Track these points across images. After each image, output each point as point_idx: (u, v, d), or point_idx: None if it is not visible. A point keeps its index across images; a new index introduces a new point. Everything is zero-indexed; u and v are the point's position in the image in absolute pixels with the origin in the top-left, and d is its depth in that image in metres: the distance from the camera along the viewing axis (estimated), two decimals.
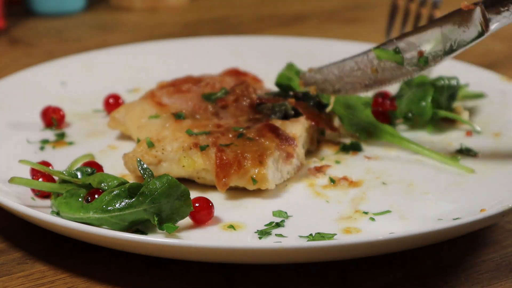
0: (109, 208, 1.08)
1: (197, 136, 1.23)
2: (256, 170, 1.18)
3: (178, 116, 1.29)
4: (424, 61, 1.22)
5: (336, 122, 1.35)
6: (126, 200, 1.08)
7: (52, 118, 1.39)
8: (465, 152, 1.31)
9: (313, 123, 1.30)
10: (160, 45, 1.65)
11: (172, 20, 2.05)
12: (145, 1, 2.11)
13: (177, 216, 1.09)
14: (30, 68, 1.52)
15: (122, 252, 1.07)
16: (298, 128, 1.27)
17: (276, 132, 1.23)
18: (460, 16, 1.12)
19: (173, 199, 1.08)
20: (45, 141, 1.34)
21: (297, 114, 1.31)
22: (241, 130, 1.23)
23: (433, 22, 1.21)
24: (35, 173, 1.18)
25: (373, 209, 1.16)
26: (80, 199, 1.11)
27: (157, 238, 1.03)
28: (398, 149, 1.32)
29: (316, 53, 1.62)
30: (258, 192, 1.21)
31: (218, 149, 1.19)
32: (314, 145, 1.32)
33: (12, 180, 1.13)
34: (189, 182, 1.21)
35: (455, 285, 1.05)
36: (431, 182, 1.24)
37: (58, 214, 1.11)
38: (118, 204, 1.08)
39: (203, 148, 1.20)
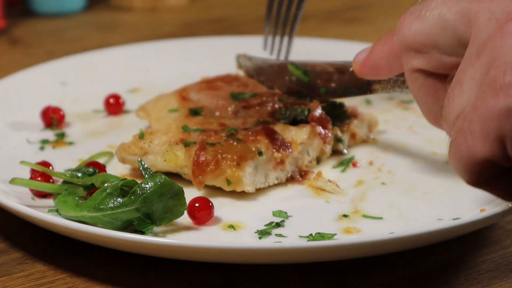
0: (101, 206, 1.08)
1: (189, 133, 1.23)
2: (232, 172, 1.17)
3: (194, 112, 1.29)
4: (324, 91, 1.29)
5: (341, 146, 1.32)
6: (119, 199, 1.08)
7: (52, 118, 1.39)
8: None
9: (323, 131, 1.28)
10: (160, 45, 1.65)
11: (172, 20, 2.05)
12: (145, 1, 2.11)
13: (171, 215, 1.09)
14: (30, 68, 1.52)
15: (122, 252, 1.07)
16: (300, 135, 1.25)
17: (271, 137, 1.22)
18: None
19: (166, 199, 1.08)
20: (45, 141, 1.35)
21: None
22: (233, 130, 1.23)
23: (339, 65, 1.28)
24: (34, 173, 1.18)
25: (373, 209, 1.16)
26: (76, 198, 1.11)
27: (157, 238, 1.03)
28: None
29: (316, 53, 1.62)
30: (258, 192, 1.21)
31: (200, 147, 1.19)
32: (326, 154, 1.30)
33: (13, 181, 1.13)
34: (189, 182, 1.21)
35: (455, 285, 1.05)
36: (431, 182, 1.24)
37: (57, 212, 1.11)
38: (111, 203, 1.08)
39: (187, 145, 1.20)
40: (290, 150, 1.23)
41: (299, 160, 1.26)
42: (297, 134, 1.25)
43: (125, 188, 1.08)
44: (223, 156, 1.18)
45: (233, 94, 1.34)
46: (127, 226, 1.08)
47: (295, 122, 1.29)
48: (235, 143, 1.20)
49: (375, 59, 1.05)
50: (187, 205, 1.10)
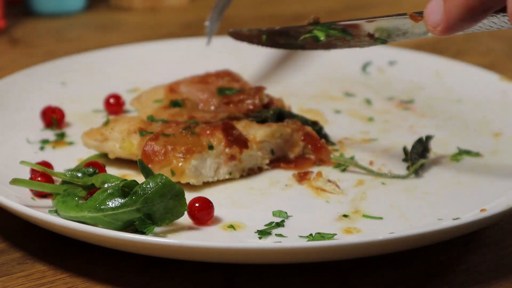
0: (102, 207, 1.08)
1: (151, 123, 1.26)
2: (176, 163, 1.19)
3: (174, 104, 1.33)
4: (375, 40, 1.20)
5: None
6: (119, 200, 1.08)
7: (52, 118, 1.39)
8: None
9: (298, 132, 1.29)
10: (160, 45, 1.65)
11: (172, 20, 2.05)
12: (145, 1, 2.11)
13: (171, 216, 1.09)
14: (30, 68, 1.52)
15: (122, 252, 1.07)
16: (261, 132, 1.26)
17: (227, 132, 1.23)
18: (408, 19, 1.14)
19: (167, 199, 1.08)
20: (45, 141, 1.34)
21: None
22: (192, 123, 1.25)
23: (380, 17, 1.20)
24: (34, 173, 1.18)
25: (373, 209, 1.16)
26: (76, 198, 1.11)
27: (157, 238, 1.03)
28: (398, 148, 1.32)
29: (316, 53, 1.62)
30: (258, 192, 1.21)
31: (152, 137, 1.21)
32: (295, 153, 1.30)
33: (13, 182, 1.13)
34: (188, 183, 1.21)
35: (455, 285, 1.05)
36: (431, 182, 1.24)
37: (56, 212, 1.11)
38: (112, 203, 1.08)
39: (142, 134, 1.23)
40: (246, 146, 1.24)
41: (258, 158, 1.26)
42: (257, 132, 1.26)
43: (126, 189, 1.08)
44: (171, 147, 1.20)
45: (220, 89, 1.36)
46: (128, 226, 1.08)
47: (265, 121, 1.30)
48: (188, 136, 1.22)
49: (456, 18, 1.02)
50: (187, 205, 1.10)
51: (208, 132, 1.23)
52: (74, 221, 1.08)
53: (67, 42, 1.89)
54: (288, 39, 1.26)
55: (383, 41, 1.17)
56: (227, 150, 1.23)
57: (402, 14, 1.14)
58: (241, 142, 1.24)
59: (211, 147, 1.22)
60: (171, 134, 1.22)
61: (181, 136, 1.22)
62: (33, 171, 1.19)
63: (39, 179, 1.17)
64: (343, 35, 1.19)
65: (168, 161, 1.19)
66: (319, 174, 1.23)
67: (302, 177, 1.24)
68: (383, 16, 1.16)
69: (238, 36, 1.33)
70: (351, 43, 1.20)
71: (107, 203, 1.08)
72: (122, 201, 1.08)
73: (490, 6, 1.01)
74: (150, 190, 1.08)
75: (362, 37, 1.18)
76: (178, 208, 1.09)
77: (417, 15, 1.12)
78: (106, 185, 1.12)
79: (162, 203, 1.08)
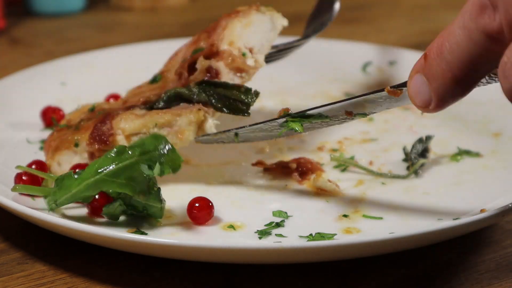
0: (102, 169, 1.08)
1: (92, 112, 1.29)
2: (48, 160, 1.24)
3: (153, 80, 1.34)
4: (353, 116, 1.14)
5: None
6: (117, 157, 1.09)
7: (52, 118, 1.39)
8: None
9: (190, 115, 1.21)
10: (160, 45, 1.65)
11: (172, 20, 2.05)
12: (145, 1, 2.11)
13: (170, 168, 1.11)
14: (30, 68, 1.52)
15: (122, 252, 1.07)
16: (131, 125, 1.21)
17: (95, 128, 1.21)
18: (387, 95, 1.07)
19: (162, 149, 1.10)
20: (45, 141, 1.34)
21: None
22: (94, 116, 1.27)
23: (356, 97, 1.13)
24: (18, 176, 1.18)
25: (373, 209, 1.16)
26: (70, 175, 1.10)
27: (157, 238, 1.03)
28: (398, 148, 1.32)
29: (316, 53, 1.62)
30: (258, 192, 1.21)
31: (57, 130, 1.27)
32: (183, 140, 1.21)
33: (14, 189, 1.13)
34: (189, 183, 1.21)
35: (455, 285, 1.05)
36: (431, 182, 1.24)
37: (55, 204, 1.10)
38: (111, 164, 1.09)
39: (59, 126, 1.30)
40: (104, 144, 1.21)
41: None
42: (127, 125, 1.22)
43: (120, 150, 1.10)
44: (51, 143, 1.25)
45: (194, 50, 1.29)
46: (131, 182, 1.09)
47: (182, 100, 1.24)
48: (71, 130, 1.25)
49: (446, 95, 0.94)
50: (182, 159, 1.12)
51: (85, 126, 1.25)
52: (78, 199, 1.09)
53: (67, 42, 1.89)
54: (263, 133, 1.21)
55: (362, 115, 1.12)
56: (87, 148, 1.22)
57: (380, 91, 1.07)
58: (103, 140, 1.21)
59: (76, 145, 1.23)
60: (68, 127, 1.26)
61: (68, 130, 1.25)
62: (18, 175, 1.18)
63: (24, 178, 1.17)
64: (320, 120, 1.15)
65: (47, 157, 1.24)
66: (319, 174, 1.23)
67: (303, 177, 1.24)
68: (359, 96, 1.10)
69: (208, 141, 1.24)
70: (329, 123, 1.15)
71: (106, 165, 1.09)
72: (120, 157, 1.09)
73: (479, 74, 0.93)
74: (144, 142, 1.10)
75: (340, 116, 1.13)
76: (174, 161, 1.11)
77: (396, 90, 1.05)
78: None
79: (159, 152, 1.10)
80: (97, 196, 1.10)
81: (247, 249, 1.01)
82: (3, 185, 1.16)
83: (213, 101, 1.22)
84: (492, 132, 1.37)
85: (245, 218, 1.14)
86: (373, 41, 1.75)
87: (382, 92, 1.07)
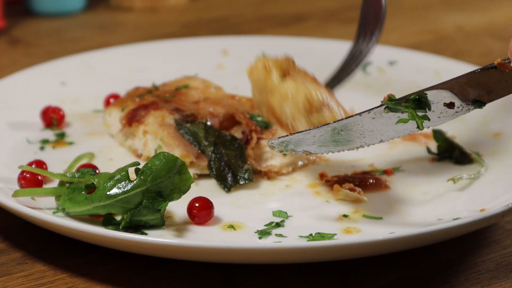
0: (113, 193, 1.08)
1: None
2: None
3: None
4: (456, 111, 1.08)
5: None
6: (128, 183, 1.09)
7: (52, 118, 1.39)
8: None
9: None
10: (160, 45, 1.65)
11: (172, 20, 2.05)
12: (145, 1, 2.11)
13: (180, 190, 1.10)
14: (30, 68, 1.52)
15: (122, 252, 1.07)
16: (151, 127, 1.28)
17: (136, 108, 1.32)
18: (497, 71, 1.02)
19: (173, 174, 1.09)
20: (45, 141, 1.35)
21: None
22: (151, 96, 1.33)
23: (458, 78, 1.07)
24: (22, 175, 1.18)
25: (373, 209, 1.16)
26: (83, 192, 1.11)
27: (157, 238, 1.03)
28: (398, 148, 1.32)
29: (316, 53, 1.62)
30: (258, 192, 1.21)
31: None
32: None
33: (15, 194, 1.13)
34: None
35: (455, 285, 1.05)
36: (431, 182, 1.24)
37: (64, 210, 1.11)
38: (122, 187, 1.09)
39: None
40: (129, 125, 1.31)
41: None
42: (151, 126, 1.28)
43: (137, 169, 1.10)
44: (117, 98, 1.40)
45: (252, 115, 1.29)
46: (139, 207, 1.09)
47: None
48: (133, 97, 1.36)
49: None
50: (192, 177, 1.11)
51: (138, 102, 1.32)
52: (85, 215, 1.09)
53: (67, 42, 1.89)
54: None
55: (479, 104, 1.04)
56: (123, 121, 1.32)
57: (488, 67, 1.02)
58: (128, 120, 1.31)
59: (122, 110, 1.33)
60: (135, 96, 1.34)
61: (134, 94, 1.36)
62: (22, 173, 1.18)
63: (22, 182, 1.18)
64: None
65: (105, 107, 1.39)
66: (337, 188, 1.19)
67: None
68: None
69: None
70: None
71: (117, 188, 1.08)
72: (132, 184, 1.08)
73: None
74: (156, 167, 1.09)
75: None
76: (184, 182, 1.10)
77: (506, 62, 1.01)
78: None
79: (170, 178, 1.09)
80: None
81: (247, 249, 1.01)
82: (3, 185, 1.16)
83: (213, 158, 1.24)
84: (492, 132, 1.37)
85: (245, 218, 1.14)
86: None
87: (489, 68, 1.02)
